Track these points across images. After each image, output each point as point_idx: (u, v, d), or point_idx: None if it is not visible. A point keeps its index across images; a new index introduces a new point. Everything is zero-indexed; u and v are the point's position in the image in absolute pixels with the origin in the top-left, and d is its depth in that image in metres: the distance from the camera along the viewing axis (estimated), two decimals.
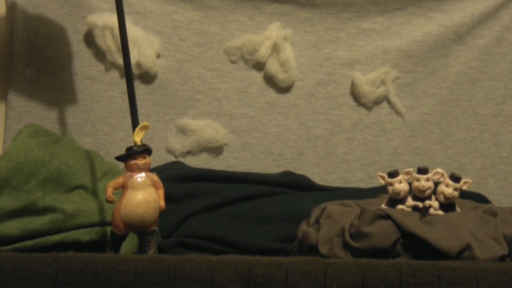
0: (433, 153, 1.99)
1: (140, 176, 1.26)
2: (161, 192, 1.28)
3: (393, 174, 1.40)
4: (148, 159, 1.28)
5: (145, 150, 1.28)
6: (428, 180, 1.39)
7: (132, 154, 1.27)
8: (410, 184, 1.41)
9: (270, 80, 1.97)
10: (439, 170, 1.41)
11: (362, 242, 1.30)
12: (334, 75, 1.98)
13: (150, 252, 1.27)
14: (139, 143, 1.28)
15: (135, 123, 1.61)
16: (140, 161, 1.26)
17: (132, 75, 1.66)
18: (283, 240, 1.59)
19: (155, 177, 1.28)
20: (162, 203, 1.28)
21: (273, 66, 1.96)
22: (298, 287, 1.08)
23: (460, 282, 1.09)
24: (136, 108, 1.63)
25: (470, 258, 1.26)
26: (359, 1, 1.98)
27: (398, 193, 1.40)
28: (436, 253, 1.26)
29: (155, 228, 1.28)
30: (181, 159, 1.92)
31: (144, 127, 1.30)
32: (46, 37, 1.87)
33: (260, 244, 1.58)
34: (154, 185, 1.27)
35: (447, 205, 1.40)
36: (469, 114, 2.01)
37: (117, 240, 1.27)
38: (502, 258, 1.29)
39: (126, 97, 1.70)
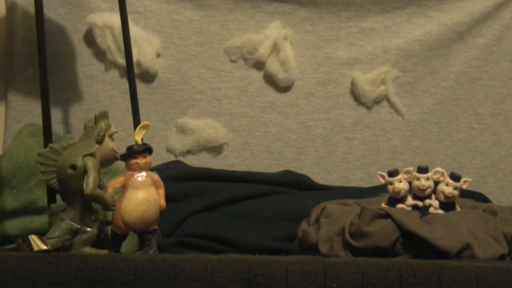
0: (433, 152, 1.99)
1: (141, 175, 1.26)
2: (162, 191, 1.28)
3: (393, 173, 1.40)
4: (148, 158, 1.28)
5: (146, 149, 1.28)
6: (428, 179, 1.39)
7: (132, 153, 1.27)
8: (410, 183, 1.41)
9: (270, 80, 1.97)
10: (439, 169, 1.41)
11: (362, 241, 1.30)
12: (334, 75, 1.99)
13: (151, 252, 1.27)
14: (140, 142, 1.28)
15: (136, 122, 1.61)
16: (141, 160, 1.26)
17: (134, 75, 1.66)
18: (283, 239, 1.59)
19: (155, 176, 1.28)
20: (163, 202, 1.28)
21: (273, 66, 1.96)
22: (298, 286, 1.08)
23: (460, 281, 1.09)
24: (138, 107, 1.63)
25: (470, 257, 1.27)
26: (359, 0, 1.98)
27: (398, 192, 1.40)
28: (436, 252, 1.26)
29: (156, 227, 1.28)
30: (181, 159, 1.92)
31: (145, 126, 1.30)
32: (46, 36, 1.87)
33: (260, 243, 1.58)
34: (154, 184, 1.27)
35: (447, 204, 1.40)
36: (469, 113, 2.01)
37: (117, 239, 1.27)
38: (502, 257, 1.29)
39: (126, 96, 1.71)
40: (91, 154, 1.19)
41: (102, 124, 1.22)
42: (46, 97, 1.43)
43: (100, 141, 1.21)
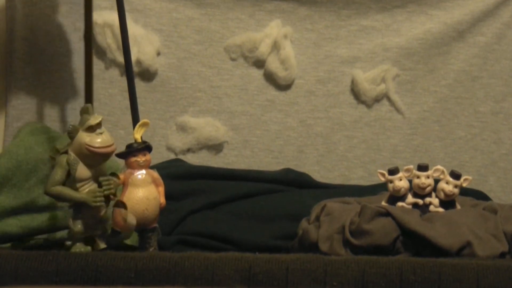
0: (433, 150, 1.99)
1: (141, 173, 1.26)
2: (162, 189, 1.28)
3: (393, 172, 1.40)
4: (148, 156, 1.28)
5: (146, 147, 1.28)
6: (428, 177, 1.39)
7: (132, 151, 1.27)
8: (410, 181, 1.41)
9: (270, 78, 1.97)
10: (439, 167, 1.41)
11: (362, 240, 1.30)
12: (334, 73, 1.98)
13: (151, 250, 1.27)
14: (139, 140, 1.28)
15: (135, 120, 1.61)
16: (141, 158, 1.26)
17: (132, 73, 1.66)
18: (284, 237, 1.59)
19: (155, 174, 1.28)
20: (163, 200, 1.28)
21: (273, 64, 1.95)
22: (298, 284, 1.08)
23: (460, 279, 1.09)
24: (137, 106, 1.63)
25: (470, 256, 1.27)
26: None
27: (398, 190, 1.40)
28: (436, 250, 1.26)
29: (156, 225, 1.28)
30: (181, 157, 1.92)
31: (144, 124, 1.30)
32: (46, 35, 1.87)
33: (260, 242, 1.58)
34: (154, 182, 1.27)
35: (447, 202, 1.40)
36: (469, 112, 2.01)
37: (117, 238, 1.27)
38: (502, 255, 1.29)
39: (126, 94, 1.71)
40: (65, 152, 1.19)
41: (82, 118, 1.21)
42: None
43: (70, 137, 1.20)
